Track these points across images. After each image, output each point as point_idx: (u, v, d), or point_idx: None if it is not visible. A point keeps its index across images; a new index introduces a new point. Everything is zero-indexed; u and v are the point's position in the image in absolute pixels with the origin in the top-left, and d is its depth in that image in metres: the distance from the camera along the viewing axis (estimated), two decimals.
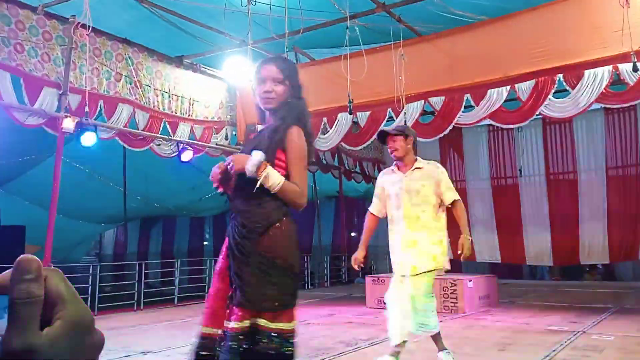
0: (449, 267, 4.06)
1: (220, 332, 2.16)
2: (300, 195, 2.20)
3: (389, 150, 3.92)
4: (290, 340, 2.13)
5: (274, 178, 2.13)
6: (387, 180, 3.99)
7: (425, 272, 3.75)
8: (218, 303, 2.24)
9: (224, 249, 2.26)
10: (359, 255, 3.96)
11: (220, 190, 2.28)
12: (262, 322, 2.10)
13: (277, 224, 2.16)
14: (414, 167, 3.86)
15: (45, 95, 7.07)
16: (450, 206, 3.92)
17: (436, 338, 3.99)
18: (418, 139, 8.81)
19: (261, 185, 2.12)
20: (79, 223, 14.53)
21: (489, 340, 5.40)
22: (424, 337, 3.93)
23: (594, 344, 5.05)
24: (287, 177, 2.19)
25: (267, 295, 2.11)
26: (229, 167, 2.18)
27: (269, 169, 2.14)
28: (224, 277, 2.23)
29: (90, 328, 0.70)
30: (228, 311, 2.16)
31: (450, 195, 3.89)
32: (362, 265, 3.96)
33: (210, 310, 2.25)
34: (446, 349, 4.01)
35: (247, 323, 2.09)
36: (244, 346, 2.07)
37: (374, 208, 4.09)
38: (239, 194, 2.23)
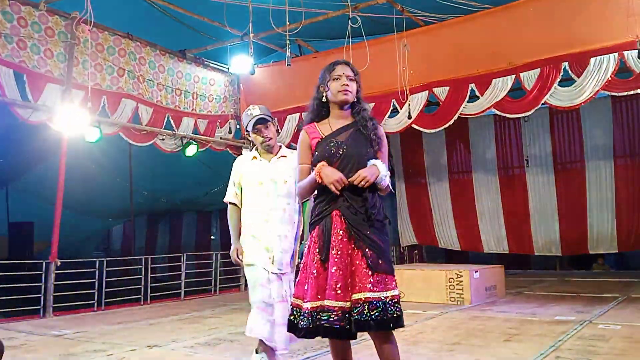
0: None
1: (368, 296, 2.41)
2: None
3: (261, 139, 3.51)
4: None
5: (386, 179, 2.58)
6: (251, 169, 3.56)
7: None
8: (340, 278, 2.47)
9: (340, 231, 2.54)
10: (238, 247, 3.55)
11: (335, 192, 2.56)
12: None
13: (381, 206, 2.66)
14: (279, 155, 3.53)
15: (48, 92, 7.08)
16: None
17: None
18: (423, 130, 8.94)
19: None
20: (86, 219, 14.62)
21: (494, 331, 5.37)
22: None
23: (600, 333, 5.02)
24: None
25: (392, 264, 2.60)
26: (361, 183, 2.48)
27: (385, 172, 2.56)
28: (345, 255, 2.51)
29: None
30: (364, 279, 2.43)
31: None
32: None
33: (341, 284, 2.46)
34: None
35: (397, 292, 2.49)
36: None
37: (237, 198, 3.61)
38: (353, 190, 2.55)
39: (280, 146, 3.61)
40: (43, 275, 7.19)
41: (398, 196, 12.47)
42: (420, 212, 12.27)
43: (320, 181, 2.54)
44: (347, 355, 2.60)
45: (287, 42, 6.75)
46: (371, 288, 2.39)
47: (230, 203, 3.63)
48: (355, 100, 2.70)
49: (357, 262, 2.46)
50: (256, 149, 3.63)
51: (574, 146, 10.86)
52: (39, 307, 7.11)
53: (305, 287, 2.53)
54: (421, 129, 8.51)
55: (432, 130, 8.48)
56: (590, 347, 4.44)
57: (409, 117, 8.04)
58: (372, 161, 2.54)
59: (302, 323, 2.47)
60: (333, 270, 2.46)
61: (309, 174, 2.62)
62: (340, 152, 2.58)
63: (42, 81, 7.04)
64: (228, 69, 9.59)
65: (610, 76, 6.59)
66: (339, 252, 2.48)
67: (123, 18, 8.11)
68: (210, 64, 9.55)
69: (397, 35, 7.74)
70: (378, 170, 2.51)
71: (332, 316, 2.40)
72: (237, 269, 10.58)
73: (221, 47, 9.09)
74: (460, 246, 11.93)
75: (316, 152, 2.65)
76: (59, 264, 7.23)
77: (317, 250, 2.55)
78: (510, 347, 4.62)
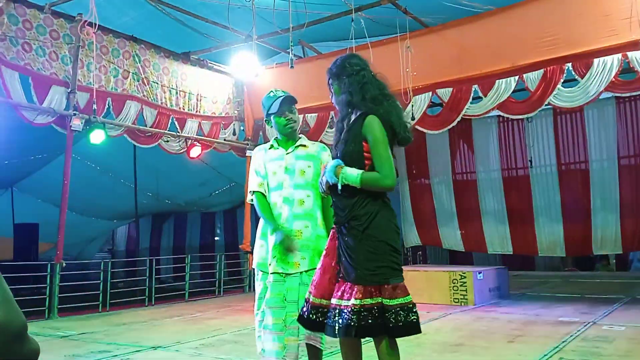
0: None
1: (332, 303, 2.46)
2: (381, 179, 2.43)
3: (285, 121, 3.14)
4: (414, 310, 2.42)
5: (350, 177, 2.43)
6: (266, 157, 3.20)
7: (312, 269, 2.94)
8: (324, 277, 2.56)
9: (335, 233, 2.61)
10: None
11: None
12: (385, 301, 2.37)
13: (371, 209, 2.44)
14: (298, 144, 3.17)
15: (53, 94, 7.13)
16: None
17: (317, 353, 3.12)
18: (427, 131, 8.95)
19: (346, 184, 2.46)
20: (91, 220, 14.67)
21: (498, 332, 5.38)
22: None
23: (604, 334, 5.02)
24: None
25: (376, 271, 2.40)
26: (328, 183, 2.55)
27: (343, 171, 2.45)
28: (332, 254, 2.58)
29: (20, 335, 0.62)
30: (338, 286, 2.47)
31: None
32: None
33: (318, 283, 2.59)
34: None
35: (368, 301, 2.36)
36: (366, 321, 2.34)
37: (263, 187, 3.15)
38: (333, 194, 2.61)
39: (301, 136, 3.25)
40: (48, 276, 7.23)
41: (401, 197, 12.45)
42: (424, 213, 12.25)
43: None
44: (357, 353, 2.57)
45: (291, 43, 6.77)
46: (338, 295, 2.45)
47: (256, 192, 3.15)
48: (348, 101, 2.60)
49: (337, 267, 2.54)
50: (275, 139, 3.27)
51: (577, 147, 10.82)
52: (44, 308, 7.15)
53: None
54: (425, 130, 8.52)
55: (436, 132, 8.48)
56: (594, 349, 4.44)
57: (413, 118, 8.05)
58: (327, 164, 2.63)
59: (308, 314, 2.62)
60: (318, 269, 2.63)
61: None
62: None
63: (47, 83, 7.08)
64: (232, 71, 9.61)
65: (614, 77, 6.58)
66: (327, 254, 2.60)
67: (127, 20, 8.15)
68: (214, 66, 9.58)
69: (401, 37, 7.75)
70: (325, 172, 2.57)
71: (312, 311, 2.54)
72: (241, 270, 10.63)
73: (225, 49, 9.12)
74: (464, 247, 11.90)
75: None
76: (64, 265, 7.27)
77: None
78: (514, 348, 4.63)
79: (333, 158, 2.62)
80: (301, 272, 2.99)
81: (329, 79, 2.68)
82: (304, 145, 3.19)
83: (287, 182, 3.09)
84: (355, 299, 2.36)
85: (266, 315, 3.02)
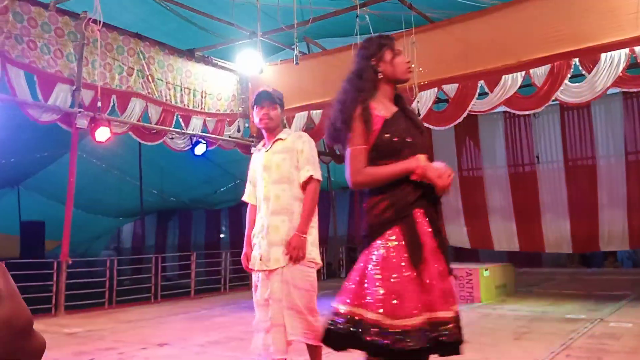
0: (319, 262, 3.19)
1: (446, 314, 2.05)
2: None
3: (258, 118, 3.17)
4: None
5: None
6: (254, 159, 3.33)
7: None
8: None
9: (428, 233, 2.15)
10: (247, 252, 3.24)
11: None
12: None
13: None
14: (276, 139, 3.16)
15: (58, 92, 7.13)
16: (303, 184, 3.07)
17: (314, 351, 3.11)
18: (433, 127, 8.90)
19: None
20: (97, 217, 14.73)
21: (505, 329, 5.35)
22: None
23: (611, 331, 4.98)
24: None
25: None
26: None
27: None
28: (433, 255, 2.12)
29: (26, 330, 0.62)
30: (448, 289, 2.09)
31: (306, 171, 3.05)
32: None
33: (448, 291, 2.10)
34: None
35: None
36: None
37: (250, 196, 3.33)
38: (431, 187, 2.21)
39: (284, 130, 3.25)
40: (54, 273, 7.25)
41: None
42: None
43: (418, 178, 2.11)
44: None
45: (295, 40, 6.74)
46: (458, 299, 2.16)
47: (247, 202, 3.37)
48: None
49: (442, 269, 2.10)
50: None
51: (585, 143, 10.76)
52: (50, 305, 7.17)
53: (394, 302, 1.97)
54: (431, 127, 8.48)
55: (442, 128, 8.44)
56: (601, 346, 4.41)
57: (418, 114, 8.01)
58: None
59: (410, 343, 1.93)
60: (437, 277, 2.07)
61: (366, 158, 2.14)
62: (409, 140, 2.17)
63: (52, 81, 7.08)
64: (236, 67, 9.60)
65: (621, 72, 6.52)
66: (433, 258, 2.10)
67: (132, 17, 8.15)
68: (219, 63, 9.55)
69: (406, 32, 7.70)
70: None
71: (451, 328, 2.02)
72: None
73: (230, 45, 9.10)
74: (470, 244, 11.86)
75: (385, 135, 2.14)
76: (70, 262, 7.28)
77: (408, 256, 2.06)
78: (521, 345, 4.60)
79: (416, 145, 2.21)
80: (282, 268, 2.99)
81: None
82: (282, 139, 3.17)
83: (267, 179, 3.14)
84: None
85: (255, 314, 3.14)
